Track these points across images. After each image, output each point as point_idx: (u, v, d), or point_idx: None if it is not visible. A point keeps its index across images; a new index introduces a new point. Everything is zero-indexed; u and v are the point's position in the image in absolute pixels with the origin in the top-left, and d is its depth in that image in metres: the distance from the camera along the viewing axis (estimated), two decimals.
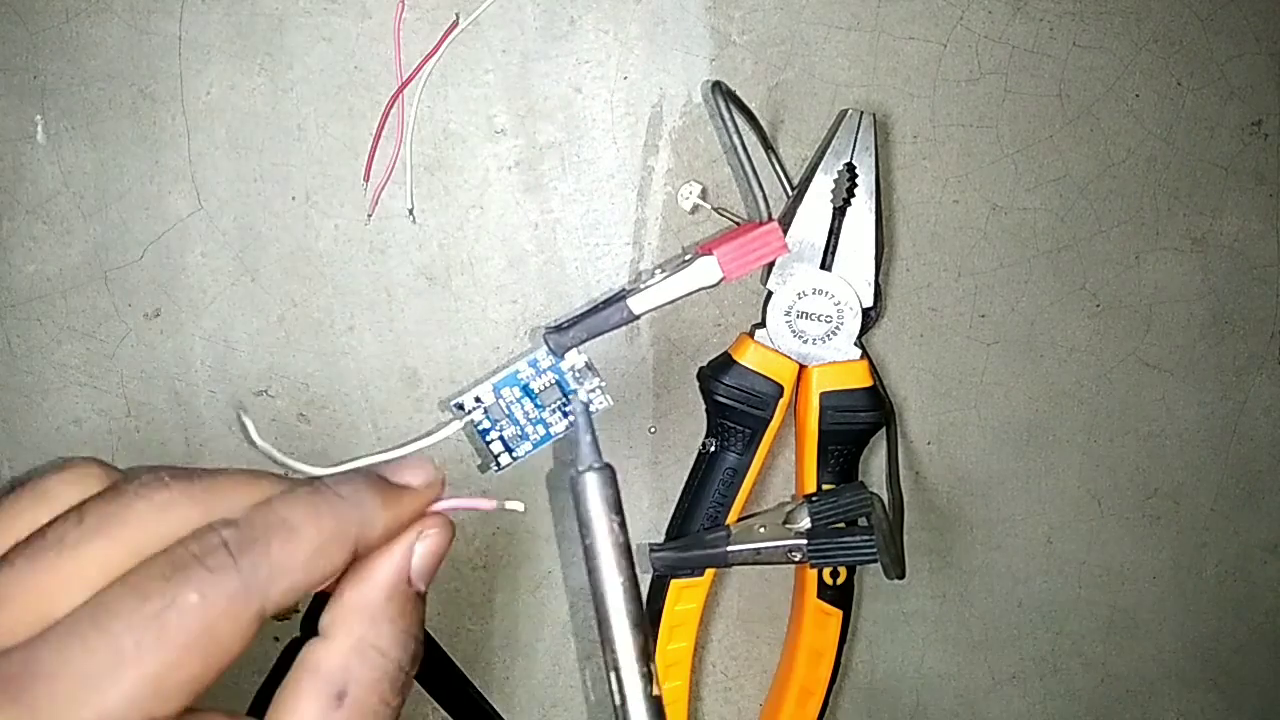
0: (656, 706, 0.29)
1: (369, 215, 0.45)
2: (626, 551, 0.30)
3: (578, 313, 0.44)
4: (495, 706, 0.50)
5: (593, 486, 0.30)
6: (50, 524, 0.22)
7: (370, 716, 0.24)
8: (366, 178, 0.45)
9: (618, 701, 0.30)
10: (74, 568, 0.21)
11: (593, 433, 0.31)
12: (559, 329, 0.43)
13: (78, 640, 0.21)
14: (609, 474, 0.30)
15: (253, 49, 0.44)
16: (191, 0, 0.44)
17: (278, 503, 0.23)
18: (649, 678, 0.30)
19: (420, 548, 0.25)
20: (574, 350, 0.44)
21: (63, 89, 0.44)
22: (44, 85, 0.44)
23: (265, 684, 0.39)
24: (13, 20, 0.44)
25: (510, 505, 0.30)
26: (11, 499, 0.23)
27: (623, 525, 0.30)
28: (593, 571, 0.30)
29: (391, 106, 0.44)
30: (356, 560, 0.24)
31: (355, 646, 0.24)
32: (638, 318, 0.43)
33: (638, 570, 0.46)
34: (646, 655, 0.30)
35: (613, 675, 0.30)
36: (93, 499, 0.23)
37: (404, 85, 0.44)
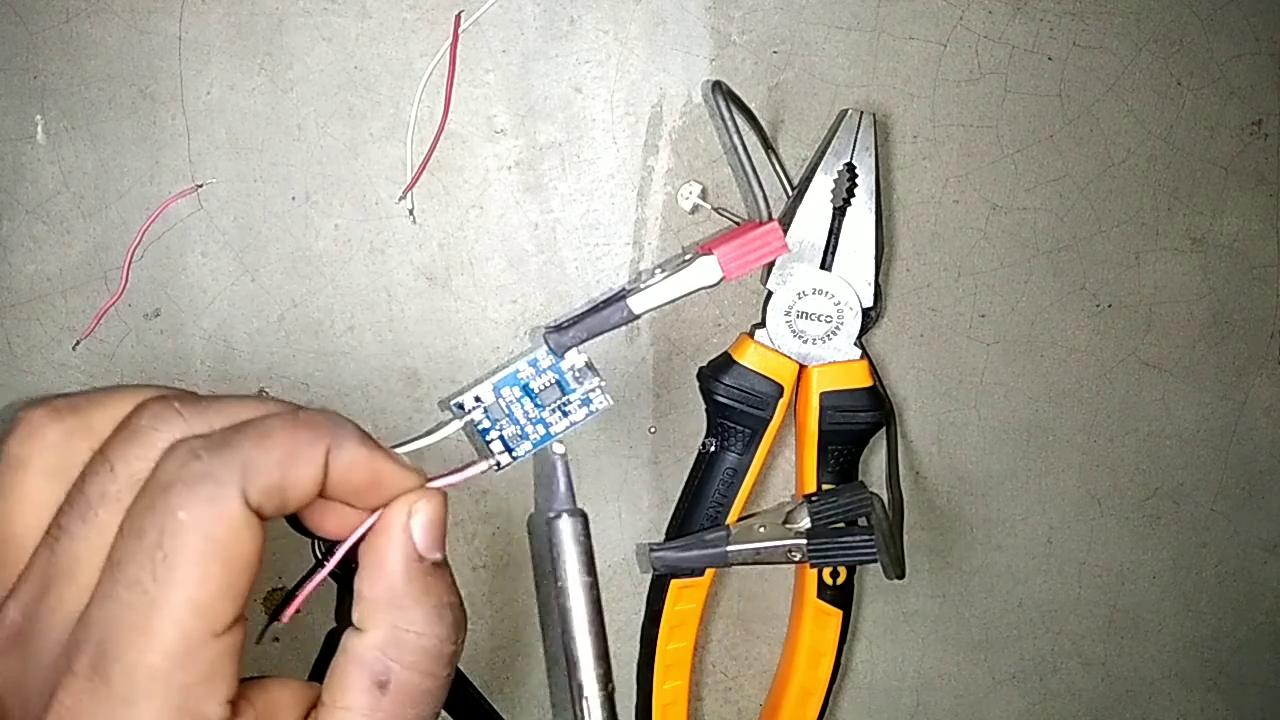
0: None
1: (405, 199, 0.45)
2: (596, 600, 0.32)
3: (578, 313, 0.44)
4: (495, 706, 0.50)
5: (567, 531, 0.32)
6: (84, 479, 0.23)
7: (418, 695, 0.25)
8: (418, 172, 0.45)
9: None
10: (114, 519, 0.22)
11: (569, 478, 0.33)
12: (559, 329, 0.43)
13: (111, 601, 0.21)
14: (583, 520, 0.32)
15: (253, 49, 0.44)
16: (191, 0, 0.44)
17: (256, 415, 0.24)
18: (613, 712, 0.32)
19: (417, 521, 0.26)
20: (574, 350, 0.44)
21: (63, 89, 0.44)
22: (44, 85, 0.44)
23: (313, 671, 0.41)
24: (13, 20, 0.44)
25: (490, 464, 0.31)
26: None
27: (591, 569, 0.32)
28: (564, 614, 0.32)
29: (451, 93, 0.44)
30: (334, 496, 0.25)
31: (388, 636, 0.24)
32: (638, 317, 0.43)
33: (642, 569, 0.47)
34: (609, 698, 0.32)
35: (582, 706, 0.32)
36: (112, 441, 0.23)
37: (452, 78, 0.44)
